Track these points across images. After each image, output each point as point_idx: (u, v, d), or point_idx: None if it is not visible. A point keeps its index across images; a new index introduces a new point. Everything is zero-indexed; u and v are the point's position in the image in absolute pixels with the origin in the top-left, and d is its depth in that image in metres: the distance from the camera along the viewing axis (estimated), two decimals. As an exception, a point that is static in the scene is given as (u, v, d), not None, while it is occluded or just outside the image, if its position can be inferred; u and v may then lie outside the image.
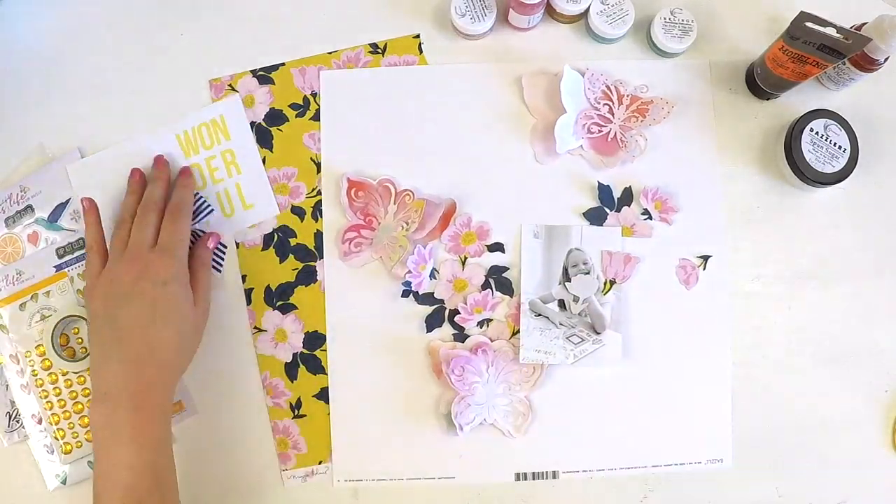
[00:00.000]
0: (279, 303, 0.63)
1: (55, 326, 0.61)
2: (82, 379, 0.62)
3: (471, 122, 0.65)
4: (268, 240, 0.64)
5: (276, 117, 0.65)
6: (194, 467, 0.61)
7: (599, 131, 0.64)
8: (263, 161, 0.64)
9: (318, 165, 0.64)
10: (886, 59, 0.60)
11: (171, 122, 0.64)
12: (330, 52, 0.66)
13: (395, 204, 0.63)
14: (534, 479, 0.61)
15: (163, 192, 0.60)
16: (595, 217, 0.63)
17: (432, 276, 0.63)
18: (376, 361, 0.62)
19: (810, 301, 0.63)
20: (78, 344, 0.63)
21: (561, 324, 0.62)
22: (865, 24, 0.59)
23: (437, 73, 0.65)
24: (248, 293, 0.63)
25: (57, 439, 0.62)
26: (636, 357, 0.62)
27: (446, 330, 0.63)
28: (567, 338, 0.62)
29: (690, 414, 0.62)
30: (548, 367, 0.62)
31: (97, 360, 0.55)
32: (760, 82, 0.63)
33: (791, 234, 0.64)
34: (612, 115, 0.64)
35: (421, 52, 0.66)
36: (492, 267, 0.63)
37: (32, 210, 0.64)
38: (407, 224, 0.62)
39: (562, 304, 0.62)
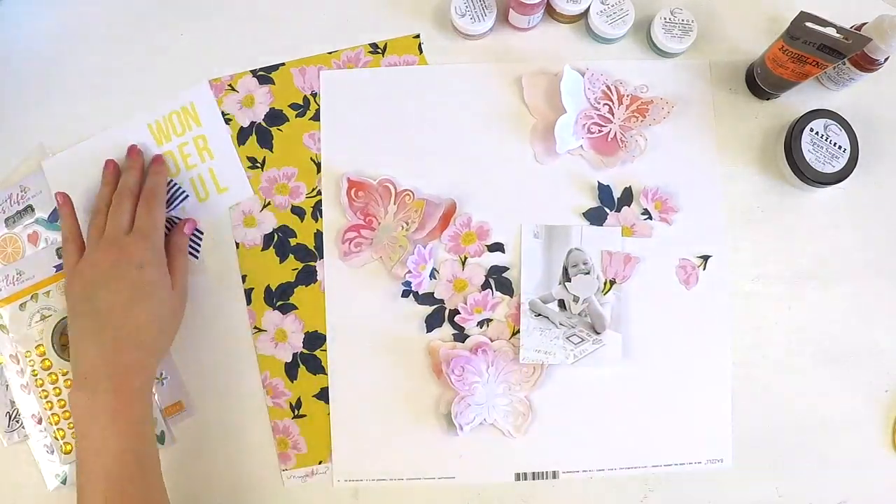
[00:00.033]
0: (279, 303, 0.63)
1: (55, 326, 0.61)
2: (82, 379, 0.62)
3: (471, 122, 0.65)
4: (268, 240, 0.64)
5: (276, 117, 0.65)
6: (194, 467, 0.61)
7: (599, 131, 0.64)
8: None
9: (318, 165, 0.64)
10: (886, 59, 0.60)
11: (143, 111, 0.65)
12: (330, 52, 0.66)
13: (395, 204, 0.63)
14: (534, 479, 0.61)
15: (136, 179, 0.61)
16: (595, 217, 0.63)
17: (432, 276, 0.63)
18: (376, 361, 0.62)
19: (810, 301, 0.63)
20: (78, 344, 0.63)
21: (561, 324, 0.62)
22: (865, 24, 0.59)
23: (437, 73, 0.65)
24: (248, 293, 0.63)
25: (57, 439, 0.62)
26: (636, 357, 0.62)
27: (446, 330, 0.63)
28: (567, 338, 0.62)
29: (690, 414, 0.62)
30: (548, 367, 0.62)
31: (76, 346, 0.55)
32: (760, 82, 0.63)
33: (791, 234, 0.64)
34: (612, 115, 0.64)
35: (421, 52, 0.66)
36: (492, 267, 0.63)
37: (32, 210, 0.64)
38: (407, 224, 0.62)
39: (562, 304, 0.62)
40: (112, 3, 0.67)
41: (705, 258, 0.63)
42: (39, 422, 0.62)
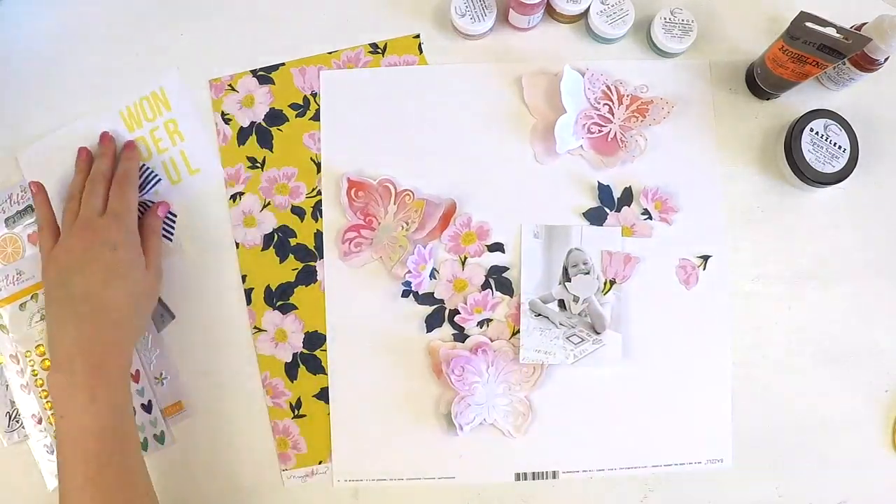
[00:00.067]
0: (279, 303, 0.63)
1: (55, 326, 0.61)
2: (82, 379, 0.62)
3: (471, 122, 0.65)
4: (268, 240, 0.64)
5: (276, 117, 0.65)
6: (194, 467, 0.61)
7: (599, 131, 0.64)
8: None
9: (318, 165, 0.64)
10: (886, 59, 0.60)
11: (113, 99, 0.65)
12: (330, 52, 0.66)
13: (395, 204, 0.63)
14: (534, 479, 0.61)
15: (109, 165, 0.62)
16: (595, 217, 0.63)
17: (432, 276, 0.63)
18: (376, 361, 0.62)
19: (810, 301, 0.63)
20: (78, 344, 0.63)
21: (561, 324, 0.62)
22: (865, 24, 0.59)
23: (437, 73, 0.65)
24: (248, 293, 0.63)
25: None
26: (636, 357, 0.62)
27: (446, 330, 0.63)
28: (567, 338, 0.62)
29: (690, 414, 0.62)
30: (548, 367, 0.62)
31: (53, 329, 0.55)
32: (760, 82, 0.63)
33: (791, 234, 0.64)
34: (612, 115, 0.64)
35: (421, 52, 0.66)
36: (492, 267, 0.63)
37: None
38: (407, 224, 0.62)
39: (562, 304, 0.62)
40: (112, 3, 0.67)
41: (705, 258, 0.63)
42: (39, 422, 0.62)
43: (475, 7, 0.63)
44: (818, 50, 0.56)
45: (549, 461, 0.62)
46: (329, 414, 0.62)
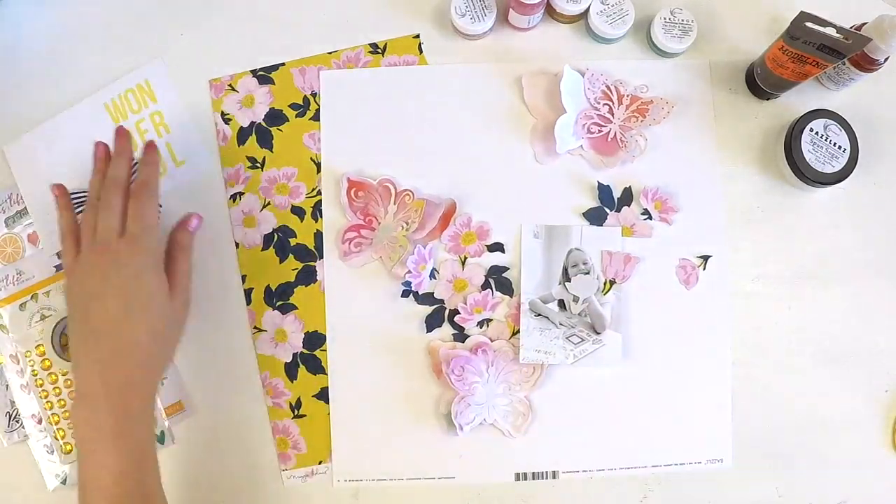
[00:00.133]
0: (279, 303, 0.63)
1: (55, 326, 0.61)
2: (82, 379, 0.62)
3: (471, 122, 0.65)
4: (268, 240, 0.64)
5: (276, 117, 0.65)
6: (194, 467, 0.61)
7: (599, 131, 0.64)
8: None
9: (318, 165, 0.64)
10: (886, 59, 0.60)
11: (99, 91, 0.65)
12: (330, 52, 0.66)
13: (395, 204, 0.63)
14: (534, 479, 0.61)
15: (125, 169, 0.57)
16: (595, 217, 0.63)
17: (432, 276, 0.63)
18: (376, 361, 0.62)
19: (810, 301, 0.63)
20: (78, 344, 0.63)
21: (561, 324, 0.62)
22: (865, 24, 0.59)
23: (437, 73, 0.65)
24: (248, 293, 0.63)
25: (57, 439, 0.62)
26: (636, 357, 0.62)
27: (446, 330, 0.63)
28: (567, 338, 0.62)
29: (690, 414, 0.62)
30: (548, 367, 0.62)
31: (75, 357, 0.52)
32: (760, 82, 0.63)
33: (791, 234, 0.64)
34: (612, 115, 0.64)
35: (421, 52, 0.66)
36: (492, 267, 0.63)
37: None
38: (407, 224, 0.62)
39: (562, 304, 0.62)
40: (112, 4, 0.67)
41: (705, 258, 0.63)
42: (39, 422, 0.62)
43: (475, 7, 0.63)
44: (818, 50, 0.56)
45: (549, 461, 0.62)
46: (329, 414, 0.62)
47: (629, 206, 0.64)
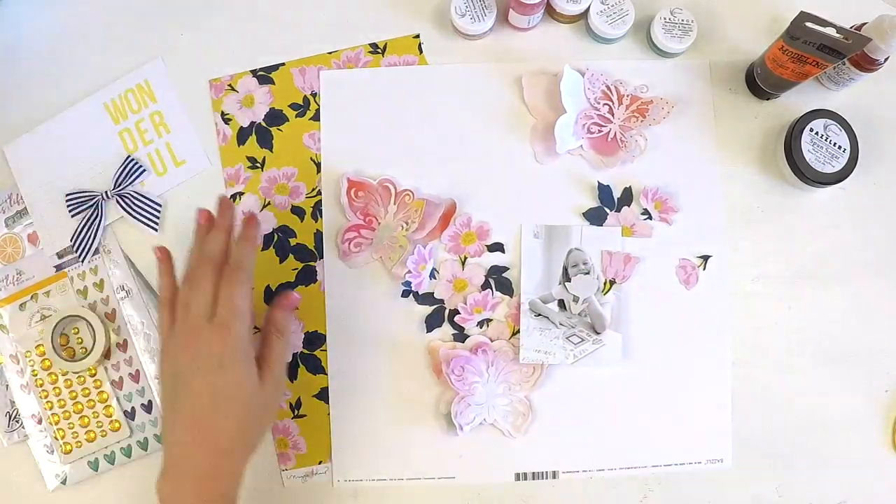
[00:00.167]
0: (279, 303, 0.63)
1: (55, 326, 0.61)
2: (82, 379, 0.62)
3: (471, 122, 0.65)
4: (268, 240, 0.64)
5: (276, 117, 0.65)
6: (194, 467, 0.61)
7: (599, 131, 0.64)
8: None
9: (318, 165, 0.64)
10: (886, 59, 0.60)
11: (99, 91, 0.65)
12: (330, 52, 0.66)
13: (395, 204, 0.63)
14: (534, 479, 0.61)
15: (222, 246, 0.54)
16: (595, 217, 0.63)
17: (432, 276, 0.63)
18: (376, 362, 0.62)
19: (810, 301, 0.63)
20: (78, 344, 0.63)
21: (561, 324, 0.62)
22: (865, 24, 0.59)
23: (437, 73, 0.65)
24: (248, 293, 0.63)
25: (57, 439, 0.62)
26: (636, 357, 0.62)
27: (446, 330, 0.63)
28: (567, 338, 0.62)
29: (690, 414, 0.62)
30: (548, 367, 0.62)
31: (164, 431, 0.52)
32: (760, 82, 0.63)
33: (791, 234, 0.64)
34: (612, 115, 0.64)
35: (421, 52, 0.66)
36: (492, 267, 0.63)
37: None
38: (407, 224, 0.62)
39: (562, 304, 0.62)
40: (112, 4, 0.67)
41: (705, 258, 0.63)
42: (39, 422, 0.62)
43: (475, 7, 0.63)
44: (818, 50, 0.56)
45: (549, 461, 0.62)
46: (329, 414, 0.62)
47: (629, 206, 0.64)
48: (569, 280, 0.62)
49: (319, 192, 0.64)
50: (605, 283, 0.62)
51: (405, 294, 0.63)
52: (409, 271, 0.61)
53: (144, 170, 0.64)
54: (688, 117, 0.65)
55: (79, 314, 0.62)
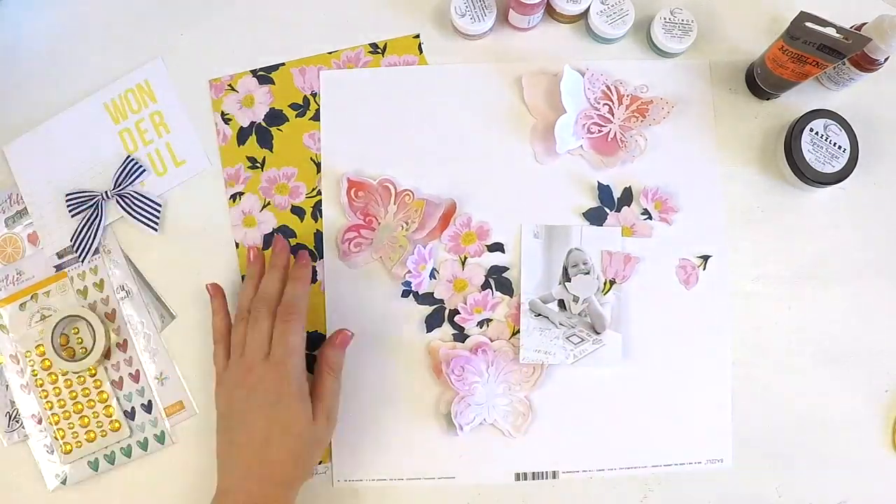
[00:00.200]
0: (279, 303, 0.63)
1: (55, 326, 0.61)
2: (82, 379, 0.62)
3: (471, 122, 0.65)
4: (268, 240, 0.64)
5: (276, 117, 0.65)
6: (194, 467, 0.61)
7: (599, 131, 0.64)
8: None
9: (318, 165, 0.64)
10: (886, 59, 0.60)
11: (99, 91, 0.65)
12: (330, 52, 0.66)
13: (395, 204, 0.63)
14: (534, 479, 0.61)
15: (278, 287, 0.58)
16: (595, 217, 0.63)
17: (432, 276, 0.63)
18: (376, 361, 0.62)
19: (810, 301, 0.63)
20: (78, 344, 0.63)
21: (561, 324, 0.62)
22: (865, 24, 0.59)
23: (437, 73, 0.65)
24: (248, 293, 0.63)
25: (57, 439, 0.62)
26: (636, 357, 0.62)
27: (446, 330, 0.63)
28: (567, 338, 0.62)
29: (690, 414, 0.62)
30: (548, 367, 0.62)
31: (220, 456, 0.55)
32: (760, 82, 0.63)
33: (791, 234, 0.64)
34: (612, 115, 0.64)
35: (421, 52, 0.66)
36: (492, 267, 0.63)
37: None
38: (407, 224, 0.62)
39: (562, 304, 0.62)
40: (112, 4, 0.67)
41: (705, 258, 0.63)
42: (39, 422, 0.62)
43: (475, 7, 0.63)
44: (818, 50, 0.56)
45: (548, 461, 0.62)
46: (329, 414, 0.62)
47: (629, 206, 0.64)
48: (569, 280, 0.62)
49: (319, 192, 0.64)
50: (605, 283, 0.62)
51: (405, 294, 0.63)
52: (409, 271, 0.61)
53: (144, 170, 0.64)
54: (688, 117, 0.65)
55: (79, 314, 0.62)
